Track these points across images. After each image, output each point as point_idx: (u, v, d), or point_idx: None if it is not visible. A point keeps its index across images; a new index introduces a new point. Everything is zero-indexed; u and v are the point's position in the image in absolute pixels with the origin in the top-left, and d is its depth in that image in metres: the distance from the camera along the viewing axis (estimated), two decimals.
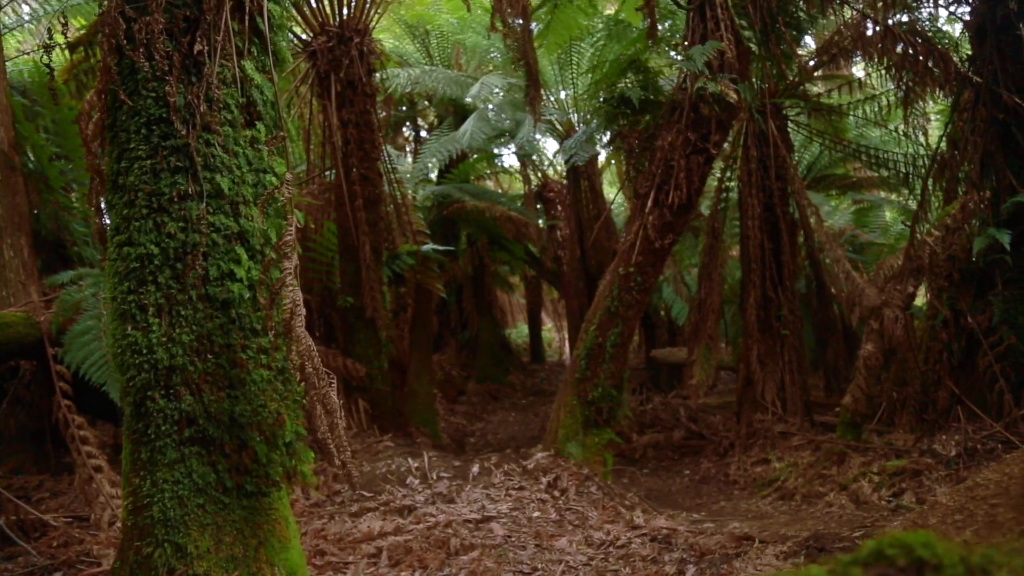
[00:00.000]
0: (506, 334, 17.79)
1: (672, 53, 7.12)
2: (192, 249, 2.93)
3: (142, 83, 2.94)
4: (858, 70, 9.83)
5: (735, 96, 4.74)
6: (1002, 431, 6.13)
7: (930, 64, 6.29)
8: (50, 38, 3.09)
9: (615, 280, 5.56)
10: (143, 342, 2.89)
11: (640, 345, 16.91)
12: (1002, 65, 6.20)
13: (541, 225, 12.31)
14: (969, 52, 6.71)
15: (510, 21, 5.08)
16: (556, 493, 5.50)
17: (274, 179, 3.15)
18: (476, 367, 13.72)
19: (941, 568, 0.65)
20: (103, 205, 3.22)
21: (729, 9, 5.06)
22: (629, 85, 5.89)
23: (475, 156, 11.85)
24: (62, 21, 3.04)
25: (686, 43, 5.42)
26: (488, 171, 14.70)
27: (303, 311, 2.84)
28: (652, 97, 5.93)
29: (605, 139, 7.90)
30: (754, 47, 4.94)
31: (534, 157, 12.10)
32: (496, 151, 12.99)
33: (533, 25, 7.92)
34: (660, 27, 7.83)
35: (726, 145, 9.85)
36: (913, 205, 7.71)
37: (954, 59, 6.57)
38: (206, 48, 2.95)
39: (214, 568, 2.83)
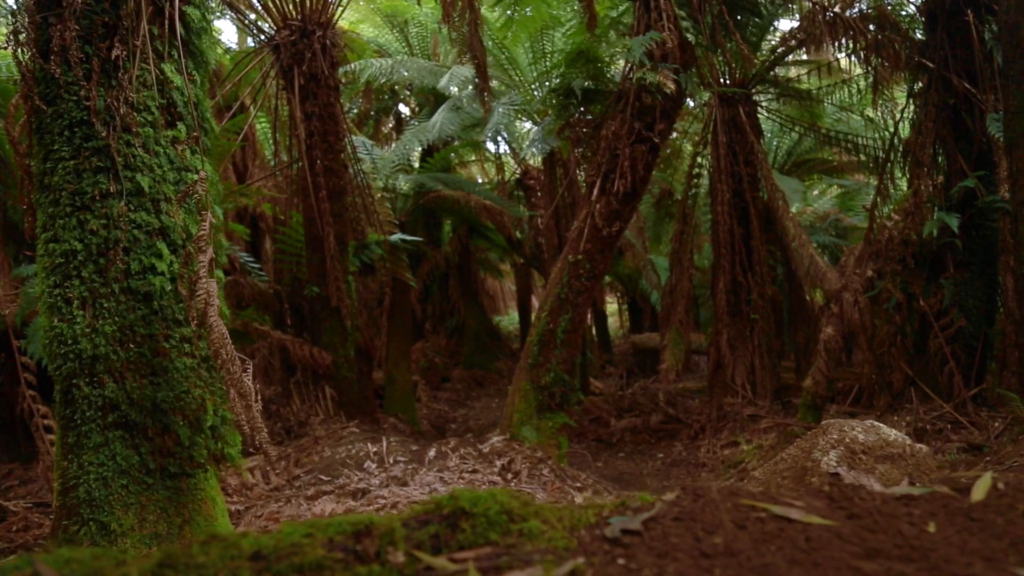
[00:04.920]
0: (496, 321, 17.88)
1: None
2: (114, 245, 3.08)
3: (64, 87, 3.08)
4: (828, 56, 9.84)
5: (672, 87, 4.85)
6: (952, 412, 6.25)
7: (880, 37, 6.31)
8: None
9: (565, 268, 5.69)
10: (68, 333, 3.05)
11: (629, 331, 17.01)
12: (952, 51, 6.25)
13: (524, 213, 12.38)
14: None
15: (454, 16, 5.17)
16: (509, 476, 5.65)
17: (195, 177, 3.29)
18: (462, 354, 13.87)
19: (475, 516, 0.81)
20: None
21: (671, 0, 5.14)
22: (584, 76, 5.98)
23: (456, 143, 11.93)
24: None
25: (631, 34, 5.50)
26: (473, 158, 14.77)
27: (217, 302, 2.99)
28: (603, 87, 6.01)
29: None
30: (691, 37, 5.01)
31: (513, 145, 12.16)
32: (479, 139, 13.04)
33: (508, 13, 8.02)
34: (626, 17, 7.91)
35: (697, 131, 9.93)
36: (890, 190, 7.77)
37: (910, 43, 6.61)
38: (124, 53, 3.09)
39: (137, 545, 3.01)
